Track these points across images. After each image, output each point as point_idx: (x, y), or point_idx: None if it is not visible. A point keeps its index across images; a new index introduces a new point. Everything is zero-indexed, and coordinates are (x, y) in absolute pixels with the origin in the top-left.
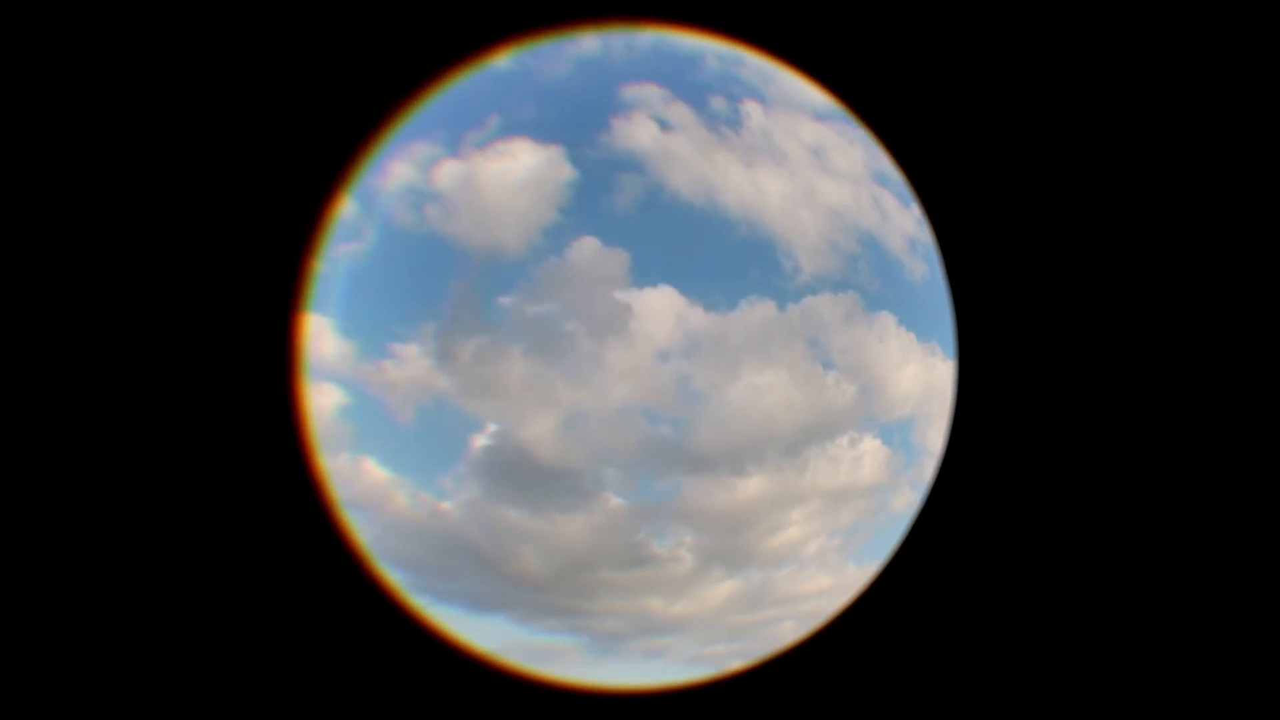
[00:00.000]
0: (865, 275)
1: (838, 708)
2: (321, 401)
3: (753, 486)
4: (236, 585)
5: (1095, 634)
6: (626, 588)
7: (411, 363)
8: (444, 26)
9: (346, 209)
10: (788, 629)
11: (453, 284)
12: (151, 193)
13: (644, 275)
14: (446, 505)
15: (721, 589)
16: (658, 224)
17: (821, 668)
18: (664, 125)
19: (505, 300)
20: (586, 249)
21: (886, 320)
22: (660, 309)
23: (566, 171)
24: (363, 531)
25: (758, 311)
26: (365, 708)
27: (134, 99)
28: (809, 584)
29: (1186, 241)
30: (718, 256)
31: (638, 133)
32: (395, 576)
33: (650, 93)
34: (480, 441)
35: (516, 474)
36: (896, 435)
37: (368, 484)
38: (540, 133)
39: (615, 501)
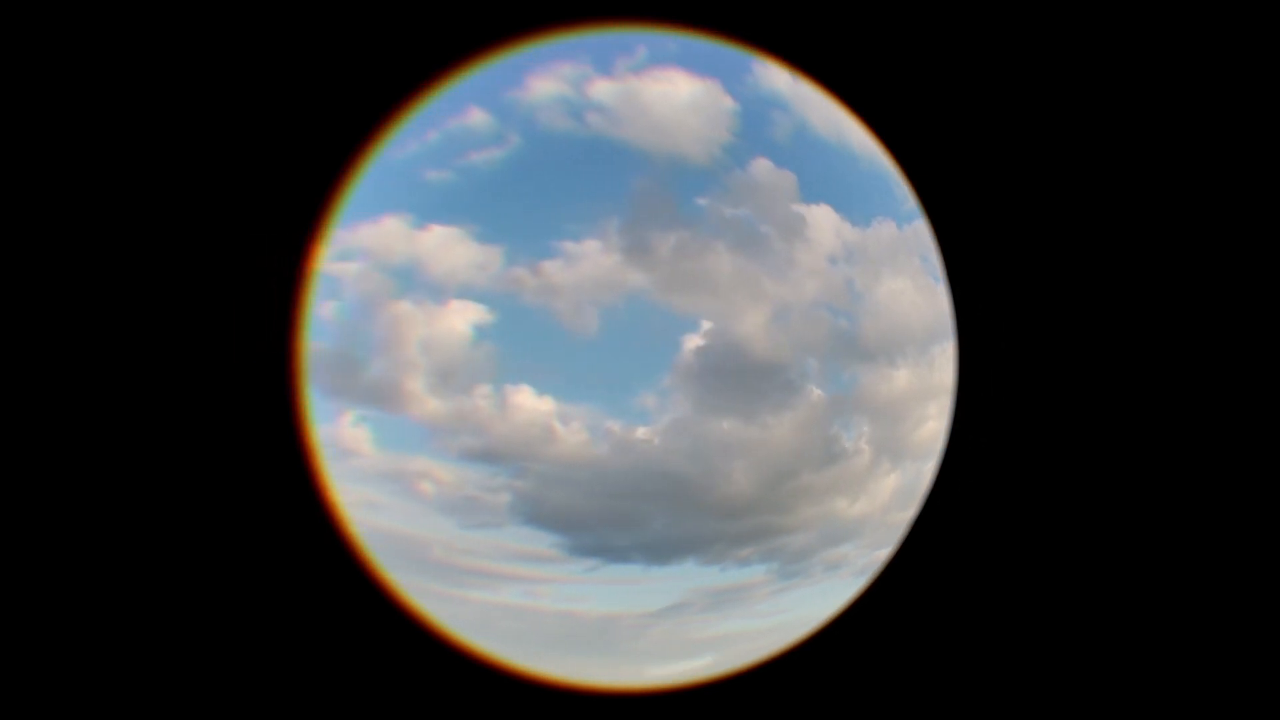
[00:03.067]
0: None
1: (838, 708)
2: (454, 323)
3: (901, 378)
4: (236, 585)
5: (1096, 634)
6: (820, 490)
7: (590, 260)
8: (445, 26)
9: (477, 118)
10: None
11: (638, 182)
12: (150, 192)
13: (808, 194)
14: (644, 431)
15: (888, 483)
16: (809, 153)
17: (821, 667)
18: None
19: (702, 201)
20: (763, 167)
21: None
22: (823, 221)
23: (728, 101)
24: (505, 490)
25: (884, 229)
26: (365, 708)
27: (134, 99)
28: None
29: (1187, 240)
30: (854, 182)
31: (776, 77)
32: (546, 541)
33: None
34: (693, 342)
35: (731, 376)
36: None
37: (517, 422)
38: (691, 66)
39: (817, 394)
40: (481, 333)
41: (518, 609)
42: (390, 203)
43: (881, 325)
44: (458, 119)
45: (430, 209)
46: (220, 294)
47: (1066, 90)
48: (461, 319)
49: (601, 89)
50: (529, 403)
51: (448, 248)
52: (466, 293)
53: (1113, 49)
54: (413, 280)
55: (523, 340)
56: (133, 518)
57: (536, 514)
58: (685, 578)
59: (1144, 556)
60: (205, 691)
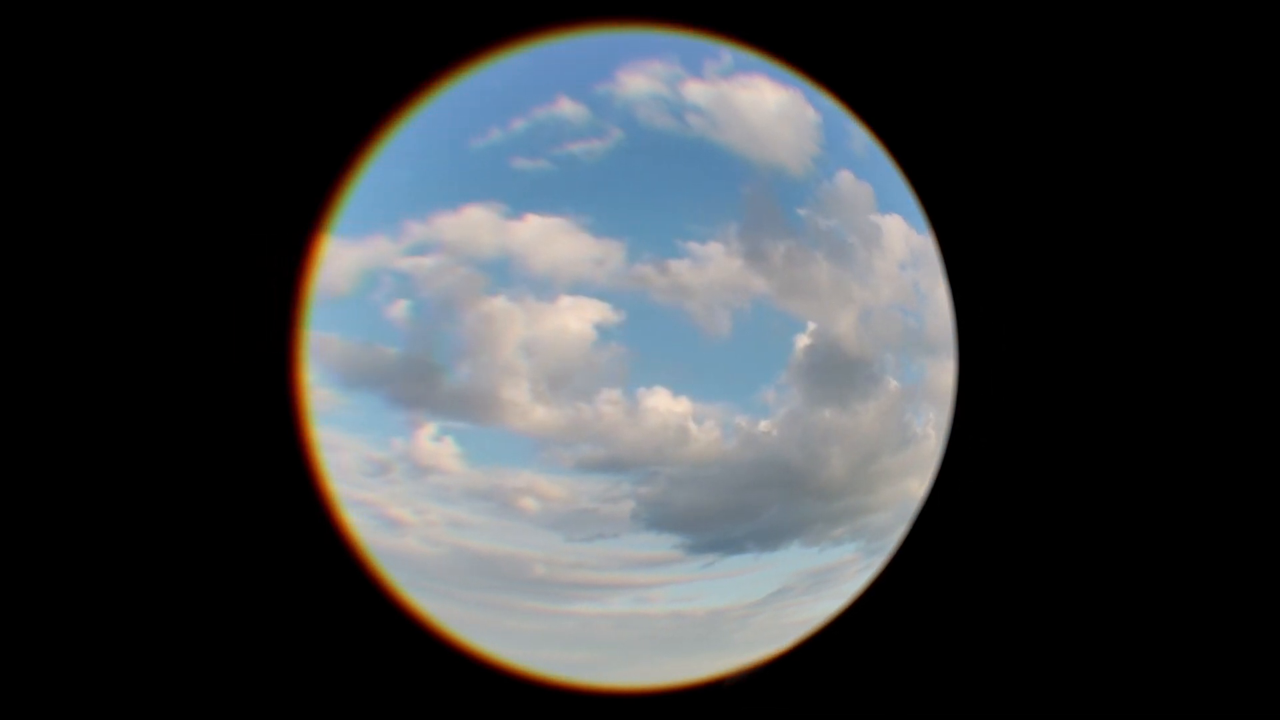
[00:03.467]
0: None
1: (838, 707)
2: (567, 322)
3: None
4: (233, 586)
5: (1096, 634)
6: (896, 472)
7: (715, 263)
8: (448, 24)
9: (568, 108)
10: None
11: (747, 189)
12: (150, 192)
13: (882, 204)
14: (765, 424)
15: None
16: (880, 165)
17: (820, 668)
18: None
19: (802, 211)
20: (846, 179)
21: None
22: (894, 230)
23: (811, 112)
24: (628, 498)
25: None
26: (364, 709)
27: (136, 98)
28: None
29: (1187, 244)
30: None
31: None
32: (668, 544)
33: None
34: (803, 342)
35: (831, 371)
36: None
37: (650, 427)
38: (772, 73)
39: (893, 384)
40: (607, 333)
41: (625, 616)
42: (473, 192)
43: (943, 322)
44: (545, 108)
45: (525, 198)
46: (219, 294)
47: (1067, 95)
48: (577, 317)
49: (696, 91)
50: (664, 405)
51: (551, 239)
52: (582, 289)
53: (1114, 54)
54: (509, 274)
55: (656, 341)
56: (129, 518)
57: (660, 518)
58: (789, 561)
59: (1144, 556)
60: (201, 693)
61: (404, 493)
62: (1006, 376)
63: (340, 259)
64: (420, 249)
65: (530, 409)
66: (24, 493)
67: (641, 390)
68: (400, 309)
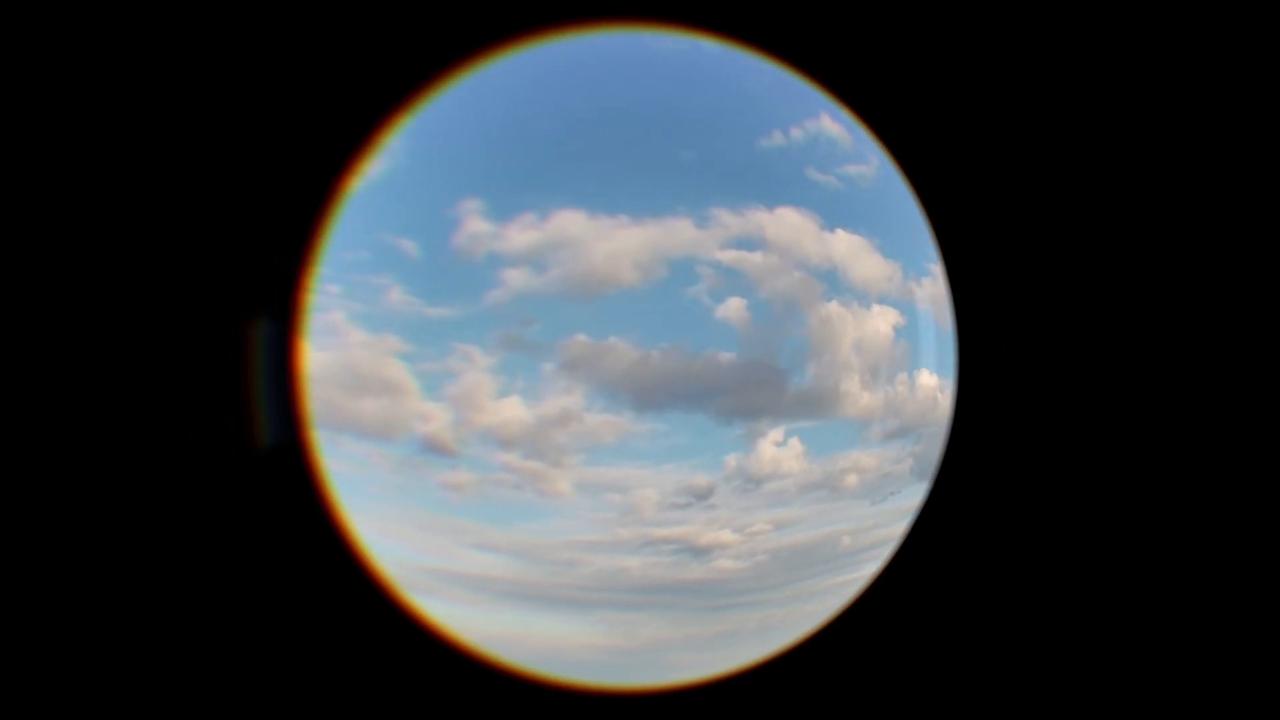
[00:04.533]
0: None
1: (840, 706)
2: (879, 325)
3: None
4: (233, 591)
5: (1098, 633)
6: None
7: (934, 280)
8: (448, 24)
9: (834, 128)
10: None
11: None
12: (151, 191)
13: None
14: None
15: None
16: None
17: (821, 666)
18: None
19: None
20: None
21: None
22: None
23: None
24: (909, 457)
25: None
26: (364, 708)
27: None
28: None
29: (1188, 240)
30: None
31: None
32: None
33: None
34: None
35: None
36: None
37: (920, 399)
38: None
39: None
40: (899, 332)
41: None
42: (781, 194)
43: None
44: (815, 122)
45: (831, 211)
46: (220, 295)
47: (1068, 96)
48: (884, 321)
49: None
50: (926, 381)
51: (859, 256)
52: (885, 299)
53: (1114, 55)
54: (837, 283)
55: (920, 336)
56: (128, 523)
57: (923, 469)
58: None
59: (1145, 555)
60: (201, 696)
61: (725, 514)
62: (1006, 376)
63: (614, 238)
64: (746, 243)
65: (860, 397)
66: (23, 496)
67: (916, 372)
68: (737, 309)
